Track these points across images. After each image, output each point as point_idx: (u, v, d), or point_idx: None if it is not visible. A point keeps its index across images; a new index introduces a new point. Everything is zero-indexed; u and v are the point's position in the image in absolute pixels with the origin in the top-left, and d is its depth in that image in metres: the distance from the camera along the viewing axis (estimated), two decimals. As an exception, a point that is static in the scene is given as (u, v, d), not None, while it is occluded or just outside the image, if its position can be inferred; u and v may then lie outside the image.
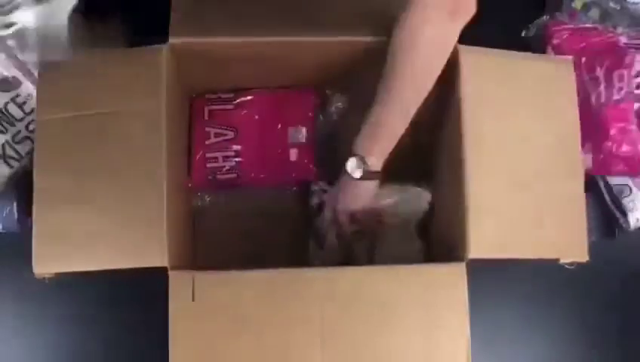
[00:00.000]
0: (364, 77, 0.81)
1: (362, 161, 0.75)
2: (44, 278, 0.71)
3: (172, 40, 0.75)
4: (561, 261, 0.74)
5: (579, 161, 0.77)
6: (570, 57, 0.80)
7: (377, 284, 0.71)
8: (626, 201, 0.92)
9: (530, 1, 0.96)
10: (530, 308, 0.90)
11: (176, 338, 0.69)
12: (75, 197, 0.72)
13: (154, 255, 0.70)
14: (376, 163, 0.75)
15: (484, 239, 0.72)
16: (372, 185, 0.79)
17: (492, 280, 0.87)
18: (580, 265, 0.74)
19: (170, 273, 0.70)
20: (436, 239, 0.87)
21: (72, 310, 0.86)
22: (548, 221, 0.75)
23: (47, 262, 0.71)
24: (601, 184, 0.94)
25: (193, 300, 0.69)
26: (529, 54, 0.89)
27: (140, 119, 0.73)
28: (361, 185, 0.78)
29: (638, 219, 0.92)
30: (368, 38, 0.77)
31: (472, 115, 0.74)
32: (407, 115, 0.73)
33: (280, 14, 0.77)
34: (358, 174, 0.76)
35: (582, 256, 0.75)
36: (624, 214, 0.92)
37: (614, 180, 0.93)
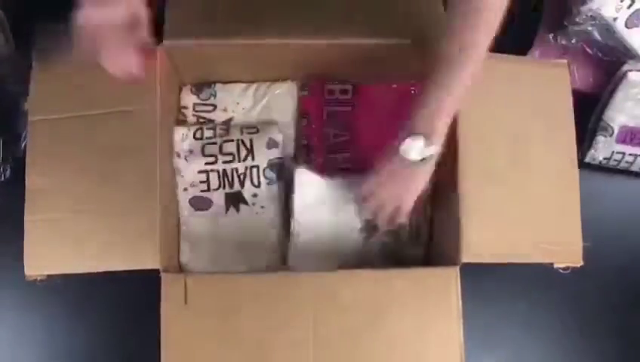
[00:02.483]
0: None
1: (427, 140, 0.67)
2: (35, 280, 0.71)
3: (166, 42, 0.75)
4: (556, 265, 0.74)
5: (574, 165, 0.77)
6: (564, 61, 0.80)
7: (370, 288, 0.71)
8: (600, 137, 0.92)
9: (527, 8, 0.96)
10: (527, 309, 0.90)
11: (168, 340, 0.69)
12: (67, 199, 0.72)
13: (146, 257, 0.70)
14: (440, 140, 0.68)
15: (478, 244, 0.72)
16: (432, 165, 0.71)
17: (489, 281, 0.87)
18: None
19: (163, 275, 0.70)
20: (434, 243, 0.86)
21: (65, 309, 0.85)
22: (542, 225, 0.75)
23: (38, 264, 0.71)
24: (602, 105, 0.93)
25: (186, 302, 0.69)
26: (525, 58, 0.90)
27: (134, 120, 0.73)
28: (422, 168, 0.70)
29: (594, 159, 0.93)
30: (346, 41, 0.77)
31: (467, 118, 0.74)
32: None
33: (269, 17, 0.77)
34: (419, 155, 0.68)
35: (576, 260, 0.75)
36: (588, 145, 0.92)
37: (617, 120, 0.92)
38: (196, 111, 0.87)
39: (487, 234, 0.73)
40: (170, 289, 0.69)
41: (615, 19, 0.86)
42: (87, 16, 0.61)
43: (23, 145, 0.89)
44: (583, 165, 0.92)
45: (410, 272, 0.75)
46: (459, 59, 0.66)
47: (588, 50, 0.91)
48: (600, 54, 0.91)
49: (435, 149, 0.68)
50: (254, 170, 0.83)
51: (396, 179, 0.72)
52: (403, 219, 0.75)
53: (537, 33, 0.93)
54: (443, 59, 0.66)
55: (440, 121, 0.67)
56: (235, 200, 0.83)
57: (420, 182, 0.72)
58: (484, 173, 0.74)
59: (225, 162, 0.83)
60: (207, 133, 0.84)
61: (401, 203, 0.74)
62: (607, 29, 0.88)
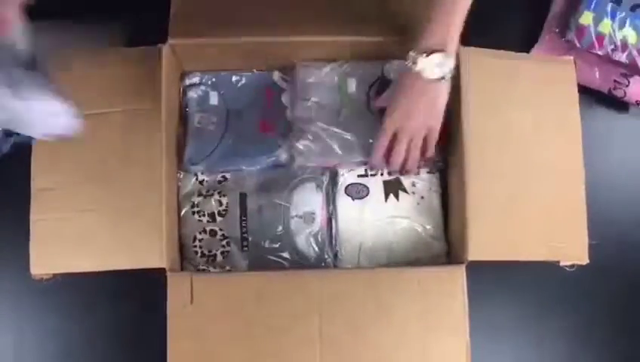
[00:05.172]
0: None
1: (444, 53, 0.65)
2: (41, 279, 0.71)
3: (171, 40, 0.75)
4: (562, 263, 0.74)
5: (580, 161, 0.77)
6: (571, 58, 0.80)
7: (377, 286, 0.71)
8: None
9: (534, 3, 0.95)
10: (533, 307, 0.89)
11: (175, 339, 0.69)
12: (72, 198, 0.72)
13: (152, 256, 0.70)
14: (454, 51, 0.66)
15: (484, 242, 0.72)
16: (450, 82, 0.69)
17: (494, 278, 0.87)
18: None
19: (169, 274, 0.70)
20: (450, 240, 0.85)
21: (68, 309, 0.85)
22: (548, 223, 0.75)
23: (44, 263, 0.71)
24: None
25: (192, 302, 0.69)
26: (530, 55, 0.89)
27: (139, 119, 0.73)
28: (442, 85, 0.68)
29: None
30: (350, 38, 0.78)
31: (473, 116, 0.74)
32: None
33: (274, 15, 0.77)
34: (438, 73, 0.66)
35: (582, 258, 0.75)
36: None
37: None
38: (200, 110, 0.87)
39: (494, 232, 0.72)
40: (176, 289, 0.69)
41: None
42: None
43: (12, 140, 0.88)
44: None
45: (416, 270, 0.74)
46: None
47: (597, 50, 0.90)
48: (609, 52, 0.90)
49: (452, 62, 0.67)
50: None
51: (420, 101, 0.69)
52: (432, 149, 0.74)
53: (543, 28, 0.93)
54: None
55: (453, 32, 0.66)
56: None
57: (442, 101, 0.69)
58: (490, 172, 0.74)
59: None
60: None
61: (430, 128, 0.71)
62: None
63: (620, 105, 0.95)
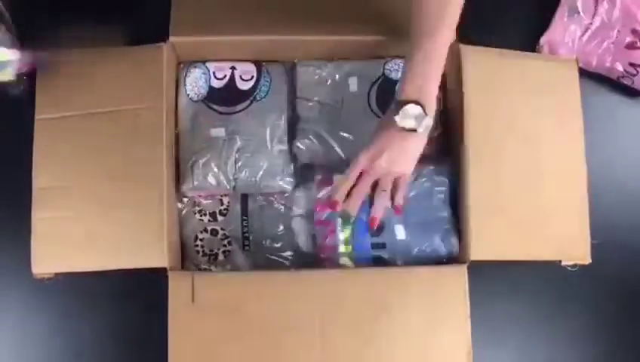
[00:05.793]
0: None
1: (422, 106, 0.66)
2: (43, 278, 0.71)
3: (172, 38, 0.75)
4: (564, 263, 0.74)
5: (582, 161, 0.77)
6: (573, 57, 0.79)
7: (378, 286, 0.71)
8: None
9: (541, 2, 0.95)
10: (535, 307, 0.89)
11: (176, 338, 0.69)
12: (74, 197, 0.72)
13: (154, 255, 0.70)
14: (433, 107, 0.68)
15: (486, 241, 0.72)
16: (426, 135, 0.69)
17: (495, 278, 0.87)
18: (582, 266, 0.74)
19: (170, 273, 0.70)
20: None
21: (70, 309, 0.85)
22: (550, 222, 0.75)
23: (46, 263, 0.71)
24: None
25: (193, 301, 0.69)
26: (533, 54, 0.89)
27: (140, 118, 0.73)
28: (419, 136, 0.68)
29: None
30: (350, 37, 0.78)
31: (474, 116, 0.74)
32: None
33: (277, 14, 0.77)
34: (412, 124, 0.66)
35: (584, 257, 0.75)
36: None
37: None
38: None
39: (495, 232, 0.72)
40: (177, 288, 0.69)
41: None
42: None
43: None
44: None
45: (418, 270, 0.74)
46: (435, 27, 0.67)
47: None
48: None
49: (429, 120, 0.67)
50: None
51: (393, 146, 0.68)
52: (401, 198, 0.71)
53: (555, 13, 0.91)
54: (421, 30, 0.67)
55: (429, 83, 0.67)
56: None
57: (415, 151, 0.69)
58: (491, 172, 0.74)
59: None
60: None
61: (399, 174, 0.70)
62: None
63: (629, 91, 0.93)
